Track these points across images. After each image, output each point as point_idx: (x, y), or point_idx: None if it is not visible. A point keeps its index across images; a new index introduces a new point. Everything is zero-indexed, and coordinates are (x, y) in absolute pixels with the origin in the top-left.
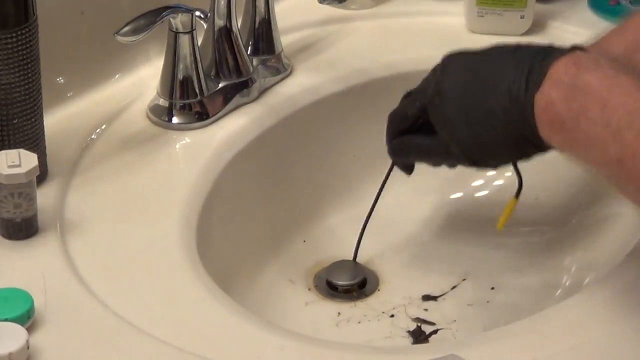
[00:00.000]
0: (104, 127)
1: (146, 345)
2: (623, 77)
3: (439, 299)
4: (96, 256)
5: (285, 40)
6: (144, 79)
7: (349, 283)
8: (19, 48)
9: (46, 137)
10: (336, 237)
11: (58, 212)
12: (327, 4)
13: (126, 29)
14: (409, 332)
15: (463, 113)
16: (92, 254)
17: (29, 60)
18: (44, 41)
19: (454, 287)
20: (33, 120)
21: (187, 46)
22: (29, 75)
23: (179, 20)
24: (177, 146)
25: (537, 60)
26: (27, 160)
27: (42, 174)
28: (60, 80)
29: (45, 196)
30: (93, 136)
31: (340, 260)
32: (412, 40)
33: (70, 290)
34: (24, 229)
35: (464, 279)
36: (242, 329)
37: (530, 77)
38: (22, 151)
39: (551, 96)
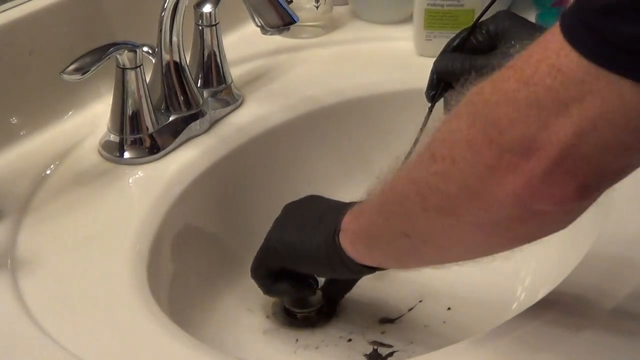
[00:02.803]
0: (56, 164)
1: None
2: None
3: (396, 321)
4: (47, 293)
5: (236, 71)
6: (96, 116)
7: (307, 310)
8: None
9: None
10: None
11: (9, 250)
12: (270, 34)
13: (72, 67)
14: (365, 355)
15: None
16: (43, 291)
17: None
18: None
19: (410, 309)
20: None
21: (134, 82)
22: None
23: (125, 57)
24: (129, 181)
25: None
26: None
27: None
28: (14, 120)
29: None
30: (46, 173)
31: None
32: (363, 66)
33: (20, 328)
34: None
35: (420, 301)
36: None
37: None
38: None
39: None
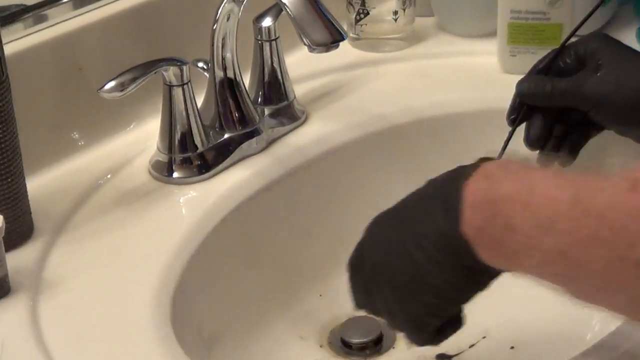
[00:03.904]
0: (103, 181)
1: None
2: (535, 173)
3: (453, 358)
4: (65, 321)
5: (304, 87)
6: (154, 132)
7: (363, 340)
8: None
9: (43, 192)
10: None
11: (36, 272)
12: (317, 52)
13: (111, 84)
14: None
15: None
16: (61, 318)
17: (1, 122)
18: (46, 99)
19: (472, 346)
20: (9, 180)
21: (182, 99)
22: (1, 135)
23: (171, 73)
24: (174, 201)
25: (450, 190)
26: None
27: (26, 233)
28: (72, 134)
29: (26, 254)
30: (92, 191)
31: (358, 316)
32: (441, 82)
33: (27, 356)
34: None
35: (484, 337)
36: None
37: (449, 212)
38: None
39: (476, 222)
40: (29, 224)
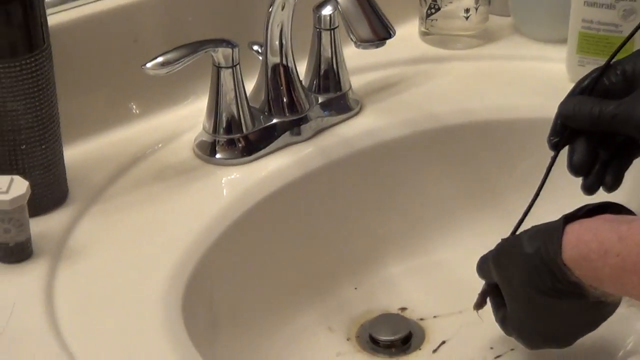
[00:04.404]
0: (146, 154)
1: None
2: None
3: None
4: (79, 291)
5: (367, 78)
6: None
7: (391, 338)
8: (25, 77)
9: (86, 160)
10: (392, 288)
11: (62, 239)
12: (363, 48)
13: (157, 61)
14: None
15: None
16: (76, 288)
17: (37, 89)
18: (103, 68)
19: (498, 357)
20: (44, 147)
21: (230, 81)
22: (38, 103)
23: (220, 55)
24: (211, 182)
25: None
26: (17, 187)
27: (58, 199)
28: (134, 106)
29: (55, 221)
30: (132, 163)
31: (391, 314)
32: (505, 85)
33: (33, 324)
34: (15, 253)
35: (512, 349)
36: None
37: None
38: (16, 178)
39: (575, 237)
40: (63, 191)
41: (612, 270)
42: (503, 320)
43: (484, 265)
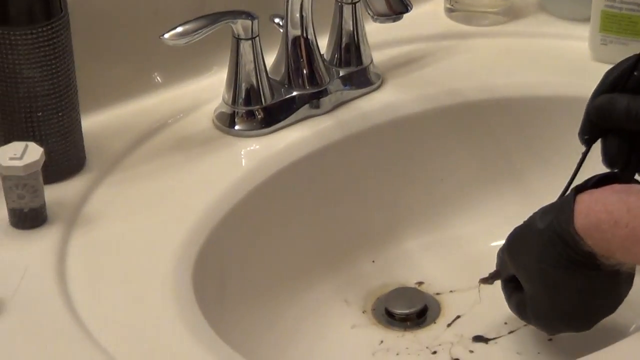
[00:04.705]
0: (166, 124)
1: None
2: None
3: (490, 342)
4: (91, 259)
5: (391, 53)
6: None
7: (406, 312)
8: (42, 44)
9: (106, 129)
10: (409, 262)
11: (77, 206)
12: (380, 22)
13: (175, 31)
14: None
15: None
16: (88, 255)
17: (53, 57)
18: (121, 40)
19: (511, 332)
20: (60, 114)
21: (250, 53)
22: (54, 70)
23: (239, 26)
24: (229, 153)
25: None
26: (32, 153)
27: (75, 167)
28: (156, 76)
29: (71, 188)
30: (151, 133)
31: (408, 287)
32: (528, 63)
33: (44, 289)
34: (29, 219)
35: (525, 325)
36: None
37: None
38: (31, 144)
39: (585, 206)
40: (80, 159)
41: (622, 241)
42: (518, 305)
43: (500, 259)
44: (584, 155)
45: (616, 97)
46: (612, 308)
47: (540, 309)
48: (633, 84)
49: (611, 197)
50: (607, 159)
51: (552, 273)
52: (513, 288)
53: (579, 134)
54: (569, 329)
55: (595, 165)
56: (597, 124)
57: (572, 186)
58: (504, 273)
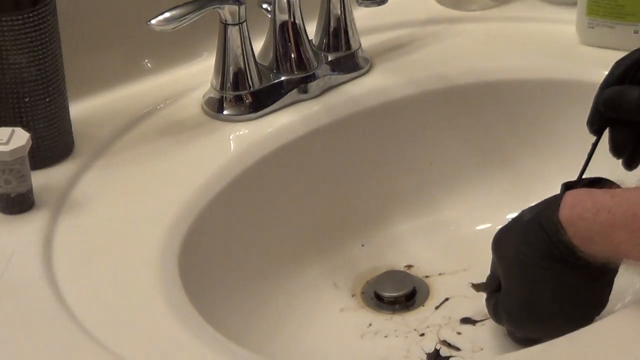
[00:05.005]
0: (154, 110)
1: (78, 343)
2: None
3: (477, 323)
4: (77, 244)
5: (380, 38)
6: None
7: (394, 295)
8: (28, 30)
9: (94, 114)
10: (398, 245)
11: (64, 191)
12: (365, 6)
13: (162, 17)
14: (427, 354)
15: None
16: (75, 240)
17: (40, 42)
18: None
19: None
20: (47, 100)
21: (237, 38)
22: (41, 56)
23: (227, 12)
24: (217, 138)
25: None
26: (18, 139)
27: (63, 152)
28: (146, 62)
29: (59, 173)
30: (140, 118)
31: (397, 271)
32: (516, 47)
33: (30, 273)
34: (16, 204)
35: None
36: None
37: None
38: (18, 129)
39: (572, 197)
40: (68, 144)
41: (602, 227)
42: (495, 306)
43: (493, 263)
44: (594, 145)
45: (626, 88)
46: (586, 316)
47: (513, 303)
48: None
49: (599, 191)
50: (614, 148)
51: (529, 265)
52: (496, 290)
53: (587, 123)
54: (539, 332)
55: (595, 157)
56: (604, 115)
57: (571, 181)
58: (494, 282)
